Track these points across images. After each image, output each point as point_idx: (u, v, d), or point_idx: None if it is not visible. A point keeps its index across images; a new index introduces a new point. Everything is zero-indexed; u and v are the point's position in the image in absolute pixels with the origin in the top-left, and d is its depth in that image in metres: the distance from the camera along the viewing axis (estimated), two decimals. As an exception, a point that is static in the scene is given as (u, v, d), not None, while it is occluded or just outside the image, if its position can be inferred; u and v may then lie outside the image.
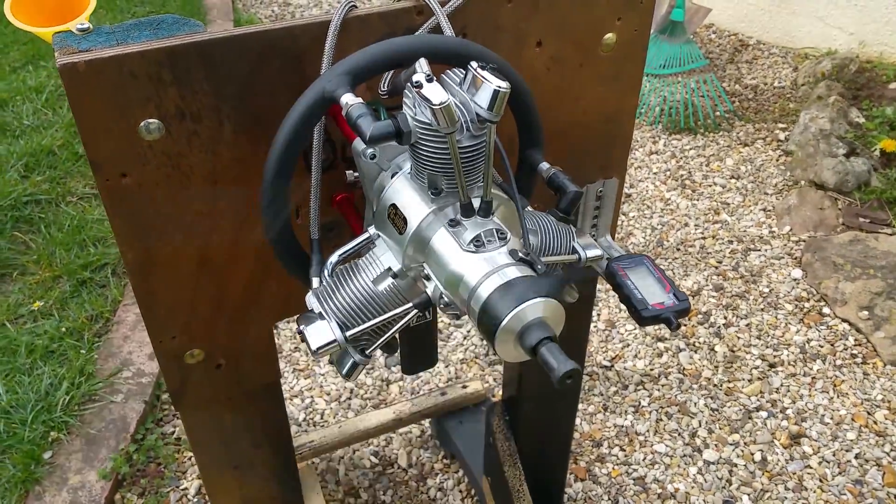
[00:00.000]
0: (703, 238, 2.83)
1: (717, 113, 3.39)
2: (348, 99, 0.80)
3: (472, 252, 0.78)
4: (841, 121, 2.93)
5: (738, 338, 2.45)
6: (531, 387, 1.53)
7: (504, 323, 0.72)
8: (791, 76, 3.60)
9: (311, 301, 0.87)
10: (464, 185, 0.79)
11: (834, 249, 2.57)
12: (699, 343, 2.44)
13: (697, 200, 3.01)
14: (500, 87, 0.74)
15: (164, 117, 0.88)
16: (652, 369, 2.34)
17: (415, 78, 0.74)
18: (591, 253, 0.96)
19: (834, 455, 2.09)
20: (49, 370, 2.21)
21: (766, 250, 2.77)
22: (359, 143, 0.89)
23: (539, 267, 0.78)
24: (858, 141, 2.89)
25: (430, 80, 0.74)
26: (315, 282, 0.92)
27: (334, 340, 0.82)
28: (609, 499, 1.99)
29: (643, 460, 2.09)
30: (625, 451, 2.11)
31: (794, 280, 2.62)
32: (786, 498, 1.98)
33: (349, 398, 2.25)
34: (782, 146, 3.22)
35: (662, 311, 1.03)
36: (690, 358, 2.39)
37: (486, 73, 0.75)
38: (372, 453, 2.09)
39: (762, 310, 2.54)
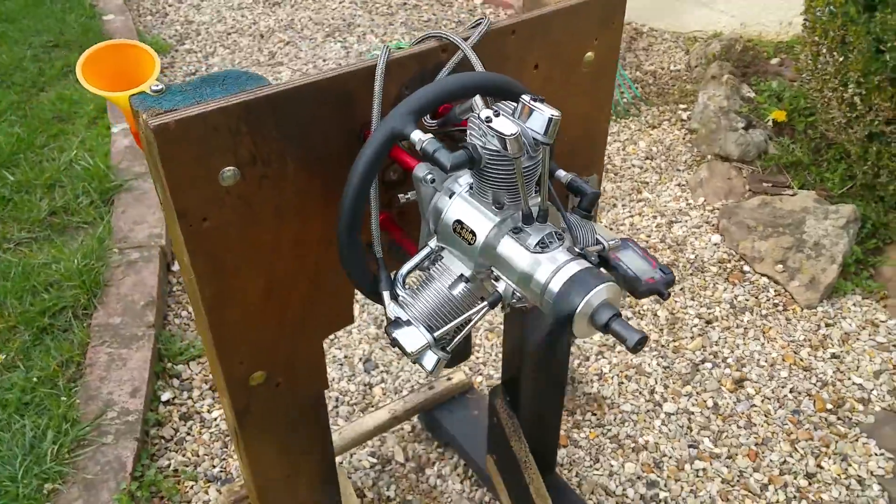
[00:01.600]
0: (632, 216, 3.09)
1: (626, 100, 3.67)
2: (420, 136, 0.93)
3: (539, 253, 0.94)
4: (735, 97, 3.26)
5: (676, 301, 2.71)
6: (530, 367, 1.70)
7: (579, 309, 0.88)
8: (684, 59, 3.94)
9: (394, 311, 1.00)
10: (527, 199, 0.94)
11: (746, 214, 2.87)
12: (644, 311, 2.68)
13: (620, 182, 3.27)
14: (553, 115, 0.89)
15: (240, 164, 0.98)
16: (608, 339, 2.56)
17: (483, 114, 0.89)
18: (611, 241, 1.13)
19: (773, 392, 2.37)
20: (29, 422, 2.19)
21: (686, 221, 3.05)
22: (420, 170, 1.02)
23: (592, 258, 0.95)
24: (752, 114, 3.23)
25: (497, 115, 0.88)
26: (386, 295, 1.05)
27: (426, 342, 0.95)
28: (591, 458, 2.19)
29: (614, 420, 2.30)
30: (596, 415, 2.32)
31: (715, 245, 2.92)
32: (740, 435, 2.24)
33: (336, 406, 2.35)
34: (686, 125, 3.53)
35: (654, 285, 1.21)
36: (638, 324, 2.63)
37: (537, 104, 0.90)
38: (369, 454, 2.20)
39: (692, 274, 2.82)
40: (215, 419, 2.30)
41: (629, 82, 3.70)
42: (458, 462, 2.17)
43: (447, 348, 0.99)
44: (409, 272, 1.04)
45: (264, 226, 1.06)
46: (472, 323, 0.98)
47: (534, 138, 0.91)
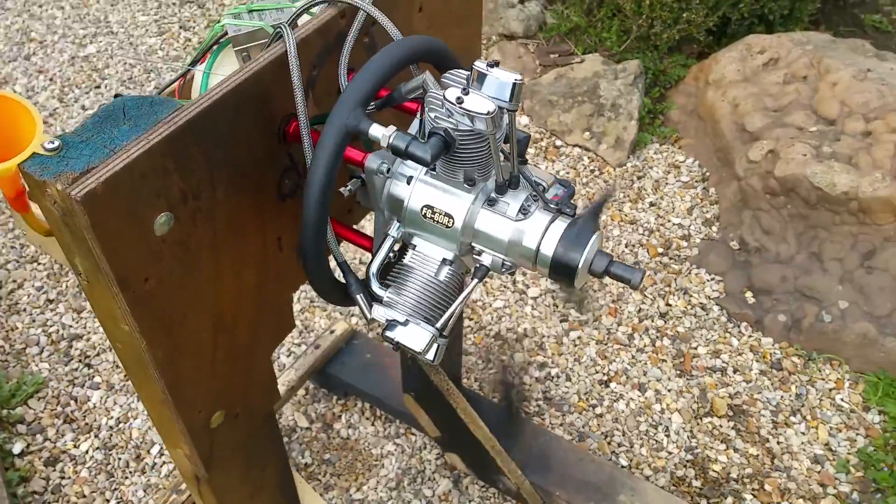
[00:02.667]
0: (440, 114, 3.10)
1: None
2: (382, 131, 0.84)
3: (523, 219, 0.91)
4: (503, -26, 3.30)
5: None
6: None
7: (579, 266, 0.89)
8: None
9: (382, 313, 0.93)
10: (500, 170, 0.90)
11: (545, 90, 3.00)
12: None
13: (418, 81, 3.24)
14: (516, 79, 0.84)
15: (172, 206, 0.83)
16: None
17: (451, 94, 0.82)
18: (547, 179, 1.13)
19: (612, 250, 2.60)
20: None
21: (490, 106, 3.12)
22: (372, 163, 0.93)
23: (568, 210, 0.94)
24: (522, -13, 3.30)
25: (466, 93, 0.82)
26: (360, 298, 0.97)
27: (432, 336, 0.91)
28: (482, 361, 2.28)
29: (491, 320, 2.40)
30: (472, 318, 2.40)
31: (525, 126, 3.03)
32: (598, 298, 2.45)
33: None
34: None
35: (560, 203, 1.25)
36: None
37: (494, 70, 0.85)
38: (272, 427, 2.12)
39: (511, 158, 2.92)
40: (87, 452, 2.05)
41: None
42: (363, 407, 2.15)
43: (444, 332, 0.95)
44: (379, 268, 0.96)
45: (203, 263, 0.92)
46: (463, 302, 0.95)
47: (498, 106, 0.86)
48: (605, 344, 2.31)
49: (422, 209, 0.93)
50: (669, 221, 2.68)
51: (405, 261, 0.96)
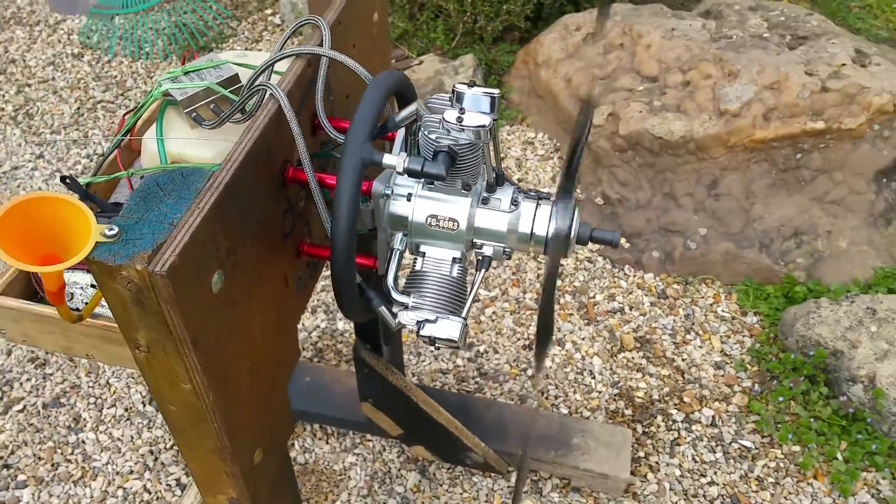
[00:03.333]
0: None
1: (218, 21, 3.56)
2: (394, 159, 0.96)
3: (515, 210, 1.07)
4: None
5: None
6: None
7: (571, 241, 1.06)
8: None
9: (411, 317, 1.05)
10: (490, 171, 1.04)
11: (394, 94, 3.15)
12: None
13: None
14: (495, 93, 0.99)
15: (221, 264, 0.90)
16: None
17: (451, 115, 0.95)
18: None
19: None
20: None
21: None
22: (378, 187, 1.04)
23: (544, 195, 1.11)
24: None
25: (463, 112, 0.95)
26: (383, 311, 1.08)
27: (462, 324, 1.04)
28: (413, 354, 2.41)
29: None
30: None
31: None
32: (500, 275, 2.65)
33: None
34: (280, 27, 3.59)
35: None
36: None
37: (476, 89, 0.99)
38: (230, 472, 2.12)
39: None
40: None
41: (211, 2, 3.58)
42: (313, 429, 2.21)
43: (463, 315, 1.09)
44: (395, 278, 1.08)
45: (242, 311, 0.99)
46: (476, 289, 1.09)
47: (479, 119, 1.00)
48: (518, 313, 2.51)
49: (427, 220, 1.05)
50: (536, 193, 2.93)
51: (419, 268, 1.08)
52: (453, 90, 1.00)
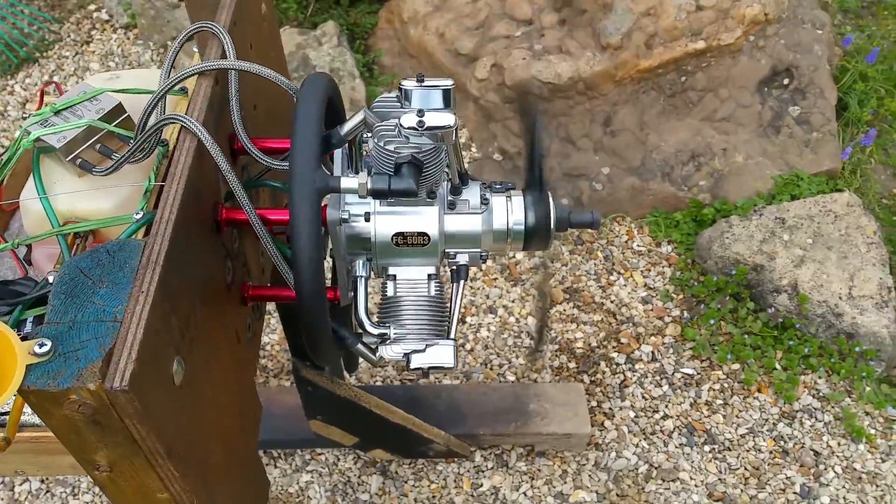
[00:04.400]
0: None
1: (35, 26, 3.16)
2: (357, 181, 0.83)
3: (486, 208, 0.96)
4: (155, -25, 3.07)
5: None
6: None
7: (553, 227, 0.98)
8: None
9: (396, 350, 0.93)
10: (455, 173, 0.93)
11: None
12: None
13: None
14: (448, 84, 0.87)
15: (178, 348, 0.75)
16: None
17: (409, 121, 0.82)
18: None
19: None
20: None
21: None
22: (332, 214, 0.90)
23: (509, 185, 1.01)
24: (183, -17, 3.10)
25: (422, 114, 0.83)
26: (361, 349, 0.96)
27: (453, 346, 0.93)
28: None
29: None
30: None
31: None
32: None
33: None
34: (108, 22, 3.23)
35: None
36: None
37: (425, 83, 0.87)
38: None
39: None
40: None
41: (24, 7, 3.16)
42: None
43: (451, 336, 0.99)
44: (366, 312, 0.95)
45: (206, 391, 0.84)
46: (460, 304, 0.98)
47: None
48: (435, 288, 2.42)
49: (393, 239, 0.93)
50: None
51: (391, 293, 0.96)
52: (400, 89, 0.87)
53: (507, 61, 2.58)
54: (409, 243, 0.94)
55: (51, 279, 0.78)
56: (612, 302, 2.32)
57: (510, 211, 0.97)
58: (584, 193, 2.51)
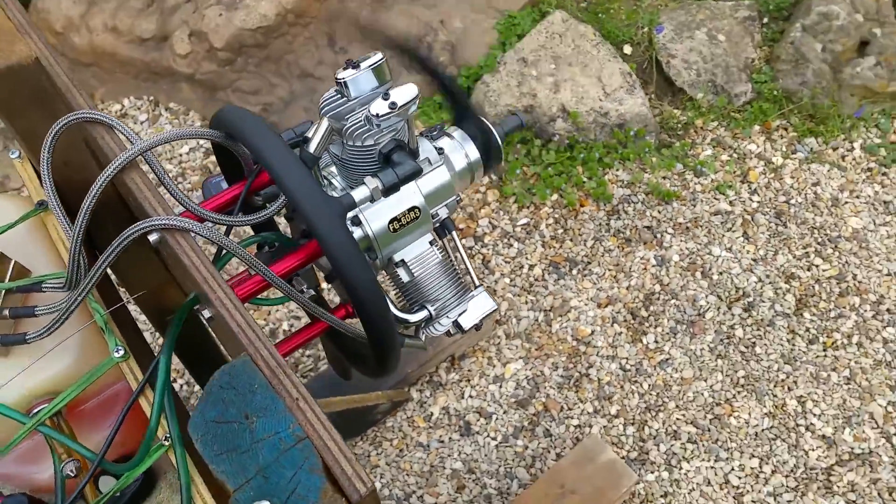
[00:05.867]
0: None
1: None
2: (366, 190, 0.80)
3: (443, 157, 0.97)
4: None
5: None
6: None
7: (501, 141, 1.02)
8: None
9: (443, 324, 0.94)
10: (414, 138, 0.92)
11: None
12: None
13: None
14: (378, 57, 0.84)
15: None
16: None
17: (379, 108, 0.80)
18: None
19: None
20: None
21: None
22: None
23: (439, 125, 1.02)
24: None
25: (388, 96, 0.80)
26: (415, 342, 0.96)
27: (483, 289, 0.97)
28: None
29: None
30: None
31: None
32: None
33: None
34: None
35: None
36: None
37: (365, 63, 0.83)
38: None
39: None
40: None
41: None
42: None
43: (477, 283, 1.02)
44: (396, 306, 0.94)
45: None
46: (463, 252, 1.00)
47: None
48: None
49: (389, 226, 0.90)
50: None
51: (407, 278, 0.94)
52: (341, 83, 0.82)
53: (204, 24, 2.40)
54: (405, 222, 0.91)
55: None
56: (429, 199, 2.40)
57: (462, 147, 0.99)
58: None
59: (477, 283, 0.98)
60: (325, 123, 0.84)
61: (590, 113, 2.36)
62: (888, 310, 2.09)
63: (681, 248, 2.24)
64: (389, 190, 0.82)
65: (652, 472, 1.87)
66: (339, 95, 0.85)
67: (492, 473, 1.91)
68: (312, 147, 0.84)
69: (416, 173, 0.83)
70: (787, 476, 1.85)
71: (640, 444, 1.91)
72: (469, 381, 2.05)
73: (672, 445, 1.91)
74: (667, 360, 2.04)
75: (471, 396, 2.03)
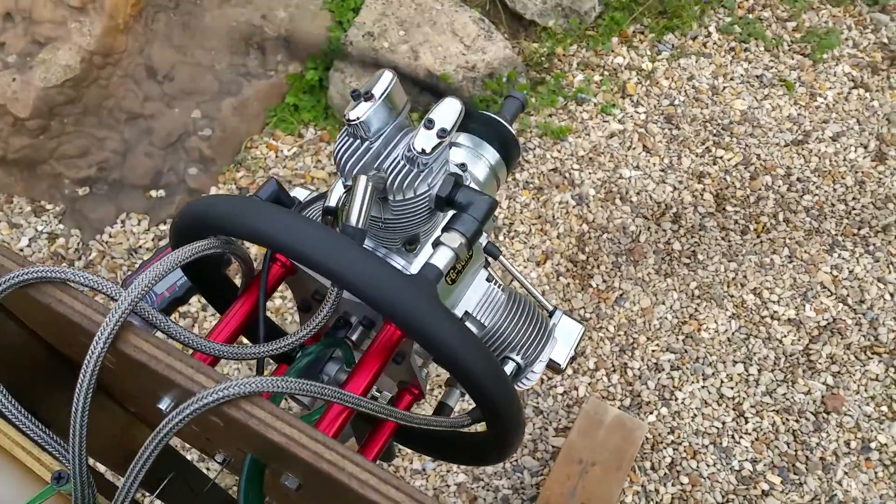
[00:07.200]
0: None
1: None
2: (449, 252, 0.67)
3: (467, 170, 0.86)
4: None
5: None
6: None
7: (514, 132, 0.90)
8: None
9: (536, 373, 0.85)
10: None
11: None
12: None
13: None
14: (390, 77, 0.67)
15: None
16: None
17: (423, 143, 0.66)
18: None
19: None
20: None
21: None
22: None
23: None
24: None
25: (432, 125, 0.65)
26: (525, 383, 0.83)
27: (561, 313, 0.84)
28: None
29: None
30: None
31: None
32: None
33: None
34: None
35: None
36: None
37: (377, 88, 0.65)
38: None
39: None
40: None
41: None
42: None
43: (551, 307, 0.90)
44: None
45: None
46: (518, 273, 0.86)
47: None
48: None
49: (447, 279, 0.75)
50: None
51: (479, 333, 0.78)
52: (350, 122, 0.64)
53: (-3, 95, 2.00)
54: (460, 268, 0.74)
55: None
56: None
57: (479, 154, 0.85)
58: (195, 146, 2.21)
59: (549, 306, 0.83)
60: (362, 183, 0.62)
61: (458, 71, 2.21)
62: (798, 179, 2.15)
63: (592, 180, 2.19)
64: (473, 239, 0.64)
65: (651, 413, 1.83)
66: (353, 140, 0.65)
67: (499, 474, 1.80)
68: (354, 219, 0.62)
69: (493, 208, 0.66)
70: (772, 370, 1.87)
71: (628, 388, 1.86)
72: (440, 385, 1.90)
73: (659, 378, 1.87)
74: (621, 295, 1.99)
75: (448, 403, 1.89)
